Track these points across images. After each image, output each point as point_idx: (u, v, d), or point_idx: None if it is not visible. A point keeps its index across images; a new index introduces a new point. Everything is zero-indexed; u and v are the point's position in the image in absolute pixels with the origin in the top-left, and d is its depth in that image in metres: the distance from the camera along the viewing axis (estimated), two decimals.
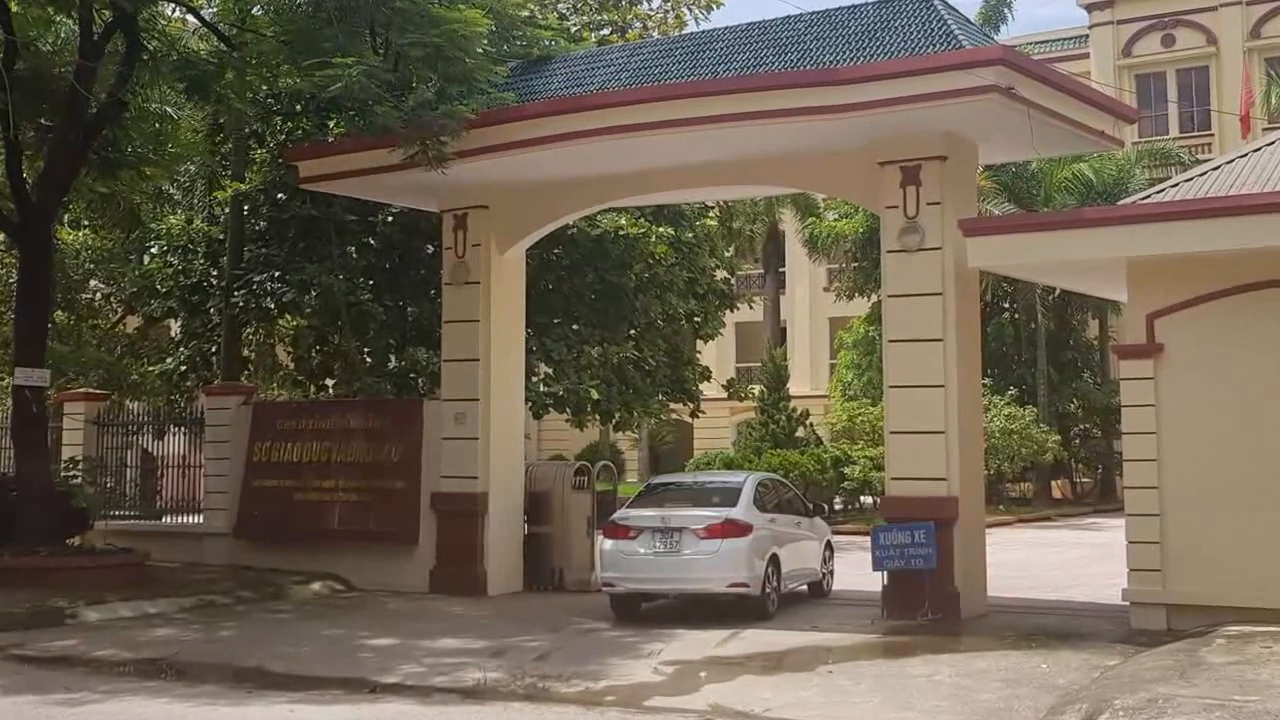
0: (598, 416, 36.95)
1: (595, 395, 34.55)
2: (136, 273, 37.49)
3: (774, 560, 21.85)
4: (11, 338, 28.92)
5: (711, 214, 39.68)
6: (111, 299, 41.69)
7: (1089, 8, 67.25)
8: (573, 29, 34.18)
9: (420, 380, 32.82)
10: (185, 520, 30.86)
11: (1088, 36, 67.75)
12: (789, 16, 22.48)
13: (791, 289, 71.61)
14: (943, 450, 21.10)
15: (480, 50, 22.73)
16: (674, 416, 49.00)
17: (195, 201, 36.55)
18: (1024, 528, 43.95)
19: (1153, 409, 19.97)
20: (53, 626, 21.21)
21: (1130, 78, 65.04)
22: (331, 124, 30.27)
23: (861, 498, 47.17)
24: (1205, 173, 21.93)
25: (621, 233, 34.40)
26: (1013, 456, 49.25)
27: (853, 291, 59.21)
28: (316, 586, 26.00)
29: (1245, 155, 22.19)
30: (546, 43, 25.12)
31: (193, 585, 25.27)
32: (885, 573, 21.13)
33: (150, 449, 33.98)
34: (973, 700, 14.96)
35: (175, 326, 39.24)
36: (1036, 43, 67.98)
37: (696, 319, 39.22)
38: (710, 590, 21.47)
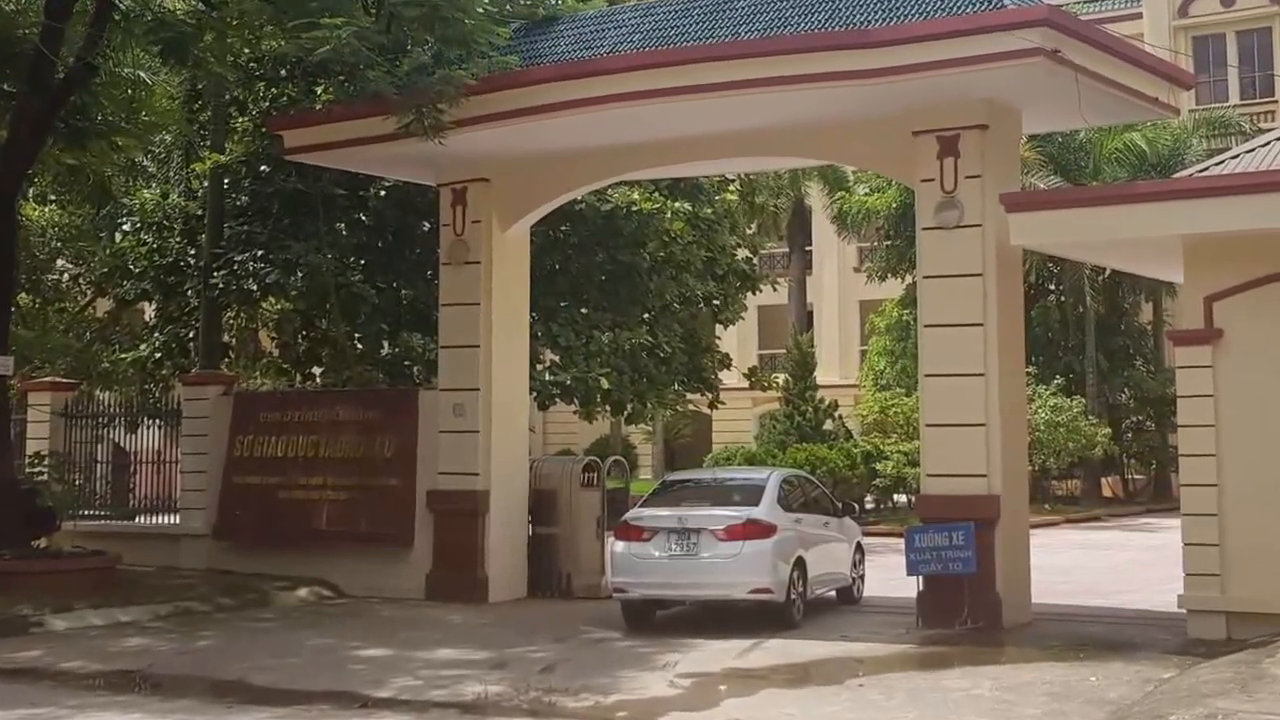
0: (608, 408, 36.98)
1: (605, 385, 34.56)
2: (107, 251, 37.47)
3: (800, 564, 21.86)
4: None
5: (732, 188, 39.63)
6: (80, 280, 41.71)
7: None
8: None
9: (415, 368, 32.83)
10: (160, 520, 30.93)
11: None
12: None
13: (819, 269, 71.50)
14: (983, 444, 21.07)
15: (481, 10, 22.71)
16: (691, 408, 48.87)
17: (171, 174, 36.55)
18: (1071, 528, 43.97)
19: (1211, 400, 19.93)
20: (17, 636, 21.24)
21: (1187, 40, 64.84)
22: (319, 90, 30.23)
23: (895, 496, 47.19)
24: (1269, 143, 21.89)
25: (634, 208, 34.39)
26: (1059, 451, 49.23)
27: (885, 272, 59.20)
28: (303, 592, 26.04)
29: None
30: (553, 2, 25.12)
31: (169, 591, 25.31)
32: (920, 577, 21.14)
33: (122, 443, 34.01)
34: (1015, 716, 14.98)
35: (149, 310, 39.30)
36: (1085, 1, 67.81)
37: (716, 302, 39.20)
38: (731, 596, 21.50)
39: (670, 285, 36.17)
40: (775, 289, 48.38)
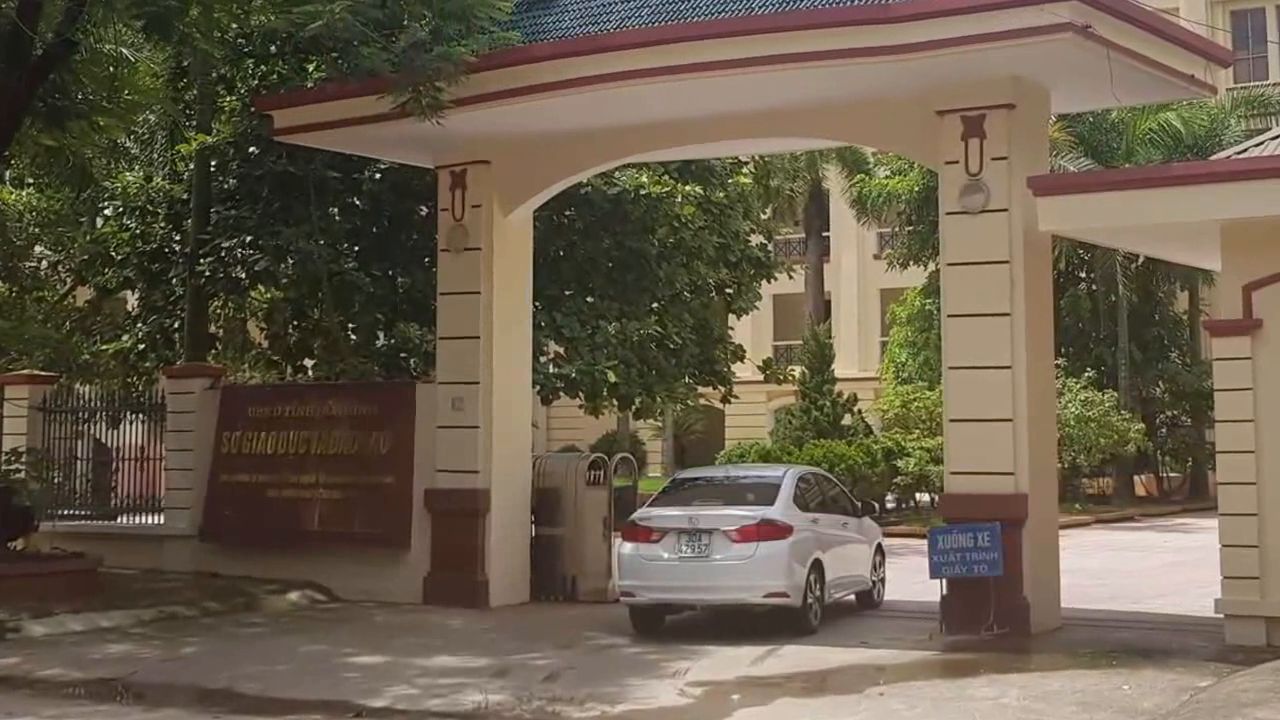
0: (615, 402, 36.94)
1: (612, 378, 34.52)
2: (88, 237, 37.49)
3: (817, 566, 21.86)
4: None
5: (746, 170, 39.64)
6: (60, 267, 41.69)
7: None
8: None
9: (412, 361, 32.83)
10: (144, 521, 30.97)
11: None
12: None
13: (837, 256, 71.55)
14: (1010, 441, 21.07)
15: None
16: (702, 402, 48.95)
17: (155, 156, 36.54)
18: (1103, 529, 43.95)
19: (1250, 393, 19.90)
20: None
21: (1224, 14, 64.80)
22: (311, 68, 30.26)
23: (917, 495, 47.24)
24: None
25: (643, 192, 34.38)
26: (1090, 448, 49.19)
27: (907, 259, 59.15)
28: (294, 596, 26.07)
29: None
30: None
31: (152, 595, 25.34)
32: (944, 580, 21.12)
33: (104, 439, 34.02)
34: None
35: (132, 299, 39.28)
36: None
37: (728, 290, 39.21)
38: (744, 601, 21.49)
39: (680, 273, 36.14)
40: (791, 277, 48.30)
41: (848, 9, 20.87)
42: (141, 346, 35.41)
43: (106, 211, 36.90)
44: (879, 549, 25.15)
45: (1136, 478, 56.61)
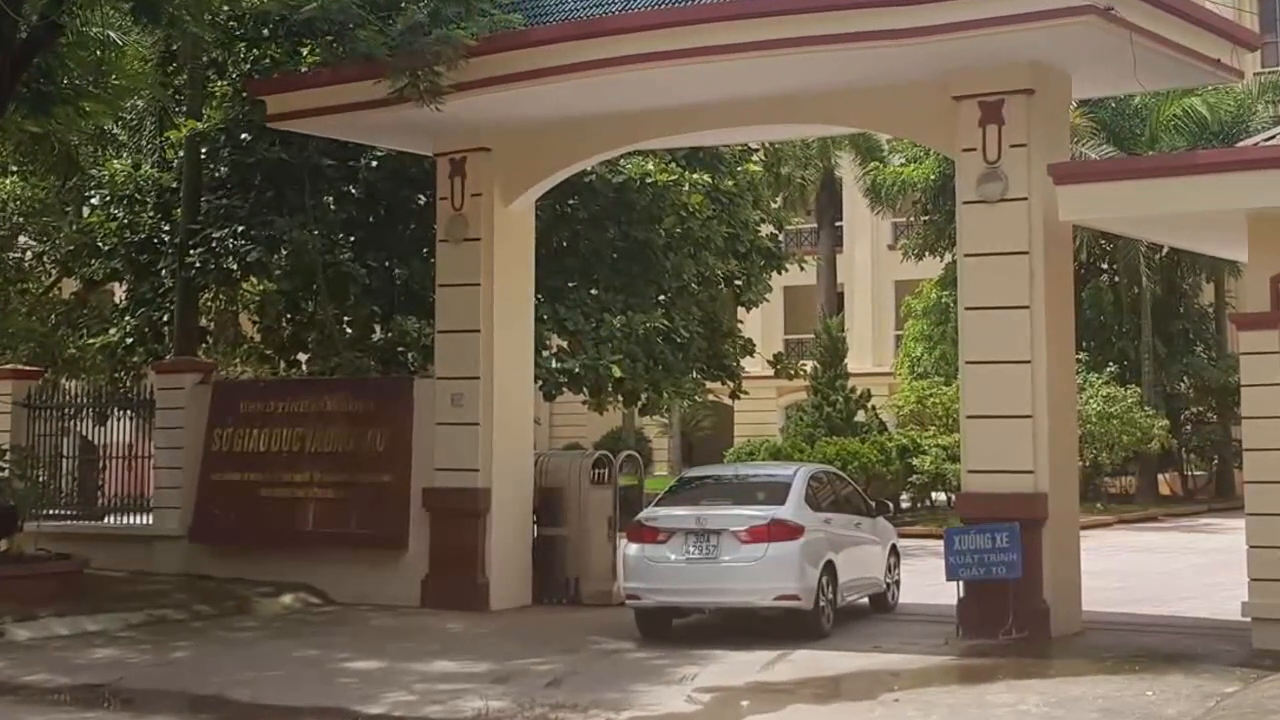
0: (620, 398, 36.93)
1: (617, 372, 34.46)
2: (74, 227, 37.44)
3: (829, 568, 21.85)
4: None
5: (756, 158, 39.62)
6: (45, 258, 41.68)
7: None
8: None
9: (410, 355, 32.80)
10: (132, 521, 30.95)
11: None
12: None
13: (850, 247, 71.53)
14: (1029, 438, 21.06)
15: None
16: (711, 398, 48.97)
17: (144, 143, 36.51)
18: (1125, 529, 43.98)
19: (1278, 389, 19.90)
20: None
21: None
22: (305, 51, 30.22)
23: (933, 494, 47.25)
24: None
25: (649, 180, 34.31)
26: (1112, 445, 49.13)
27: (922, 250, 59.19)
28: (287, 599, 26.09)
29: None
30: None
31: (141, 598, 25.35)
32: (961, 583, 21.13)
33: (91, 436, 34.02)
34: None
35: (120, 291, 39.27)
36: None
37: (738, 282, 39.16)
38: (754, 604, 21.50)
39: (688, 264, 36.09)
40: (803, 268, 48.32)
41: None
42: (129, 340, 35.36)
43: (93, 200, 36.85)
44: (893, 550, 25.16)
45: (1160, 476, 56.59)
